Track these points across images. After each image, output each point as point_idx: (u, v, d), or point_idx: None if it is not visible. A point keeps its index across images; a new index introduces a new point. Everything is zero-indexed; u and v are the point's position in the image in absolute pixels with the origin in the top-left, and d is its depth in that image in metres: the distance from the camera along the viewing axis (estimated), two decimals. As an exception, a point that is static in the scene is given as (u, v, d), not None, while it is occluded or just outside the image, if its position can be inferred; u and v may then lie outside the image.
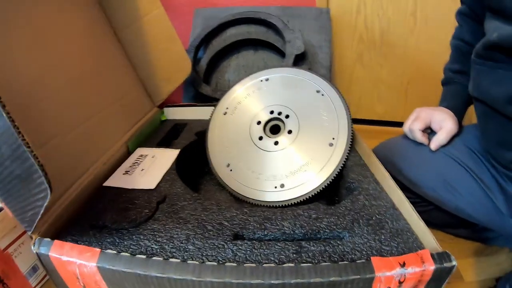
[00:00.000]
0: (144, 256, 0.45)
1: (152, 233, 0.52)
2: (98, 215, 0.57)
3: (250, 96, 0.78)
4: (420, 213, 0.51)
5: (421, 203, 0.84)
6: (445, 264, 0.42)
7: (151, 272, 0.43)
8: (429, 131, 0.82)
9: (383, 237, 0.50)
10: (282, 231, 0.52)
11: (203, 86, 1.16)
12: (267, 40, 1.21)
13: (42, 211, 0.44)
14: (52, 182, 0.42)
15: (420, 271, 0.42)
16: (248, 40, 1.24)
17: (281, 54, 1.20)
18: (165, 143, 0.86)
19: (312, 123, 0.70)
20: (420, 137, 0.79)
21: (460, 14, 0.83)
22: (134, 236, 0.51)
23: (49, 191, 0.42)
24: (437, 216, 0.84)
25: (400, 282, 0.42)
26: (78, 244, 0.48)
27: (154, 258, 0.45)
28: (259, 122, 0.74)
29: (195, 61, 1.24)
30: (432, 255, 0.43)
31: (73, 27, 0.74)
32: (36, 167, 0.41)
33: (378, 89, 1.55)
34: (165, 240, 0.50)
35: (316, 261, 0.45)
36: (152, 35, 0.90)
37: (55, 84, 0.65)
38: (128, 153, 0.79)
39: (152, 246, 0.49)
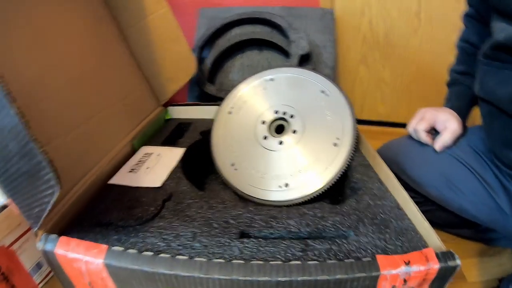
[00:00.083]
0: (151, 253, 0.46)
1: (158, 230, 0.52)
2: (103, 212, 0.57)
3: (255, 95, 0.79)
4: (424, 212, 0.51)
5: (425, 203, 0.84)
6: (449, 263, 0.42)
7: (159, 269, 0.44)
8: (434, 132, 0.82)
9: (387, 236, 0.50)
10: (288, 229, 0.52)
11: (208, 86, 1.16)
12: (272, 40, 1.21)
13: (49, 208, 0.45)
14: (59, 180, 0.42)
15: (425, 269, 0.42)
16: (253, 40, 1.24)
17: (286, 54, 1.20)
18: (170, 142, 0.86)
19: (316, 123, 0.70)
20: (425, 137, 0.79)
21: (466, 16, 0.84)
22: (140, 234, 0.52)
23: (57, 188, 0.42)
24: (441, 216, 0.84)
25: (405, 281, 0.43)
26: (84, 241, 0.49)
27: (161, 255, 0.45)
28: (263, 122, 0.74)
29: (200, 60, 1.24)
30: (436, 254, 0.43)
31: (76, 26, 0.75)
32: (44, 164, 0.41)
33: (381, 90, 1.55)
34: (171, 238, 0.50)
35: (322, 259, 0.46)
36: (157, 34, 0.90)
37: (58, 84, 0.65)
38: (133, 151, 0.80)
39: (158, 243, 0.49)
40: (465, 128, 0.80)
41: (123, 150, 0.76)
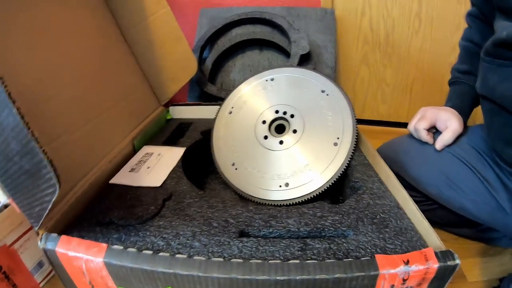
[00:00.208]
0: (150, 252, 0.46)
1: (158, 229, 0.52)
2: (104, 212, 0.57)
3: (255, 95, 0.79)
4: (424, 212, 0.51)
5: (426, 202, 0.84)
6: (449, 263, 0.42)
7: (158, 268, 0.44)
8: (434, 131, 0.82)
9: (387, 235, 0.50)
10: (287, 228, 0.53)
11: (209, 86, 1.16)
12: (272, 40, 1.22)
13: (49, 207, 0.45)
14: (60, 178, 0.43)
15: (424, 269, 0.42)
16: (254, 40, 1.25)
17: (286, 54, 1.21)
18: (171, 141, 0.86)
19: (317, 122, 0.71)
20: (425, 136, 0.79)
21: (469, 16, 0.84)
22: (140, 233, 0.52)
23: (57, 187, 0.43)
24: (441, 215, 0.84)
25: (404, 280, 0.43)
26: (85, 240, 0.49)
27: (160, 254, 0.45)
28: (264, 122, 0.74)
29: (201, 60, 1.24)
30: (436, 253, 0.43)
31: (79, 26, 0.75)
32: (45, 163, 0.41)
33: (382, 90, 1.56)
34: (171, 237, 0.51)
35: (321, 258, 0.46)
36: (158, 34, 0.91)
37: (60, 84, 0.65)
38: (134, 151, 0.80)
39: (158, 242, 0.50)
40: (465, 127, 0.80)
41: (124, 149, 0.76)
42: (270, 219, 0.55)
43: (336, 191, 0.70)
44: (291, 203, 0.63)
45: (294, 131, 0.71)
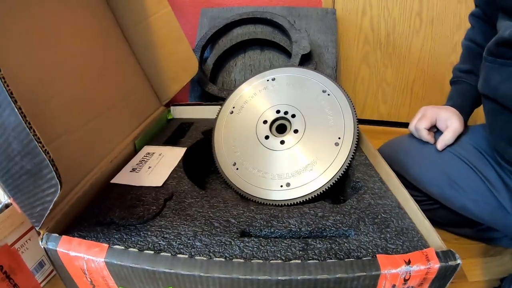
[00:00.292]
0: (152, 252, 0.46)
1: (159, 229, 0.52)
2: (105, 211, 0.57)
3: (256, 95, 0.79)
4: (425, 211, 0.51)
5: (427, 202, 0.84)
6: (450, 263, 0.42)
7: (159, 268, 0.44)
8: (435, 130, 0.82)
9: (388, 235, 0.50)
10: (289, 228, 0.52)
11: (210, 86, 1.16)
12: (274, 40, 1.22)
13: (51, 207, 0.45)
14: (61, 179, 0.43)
15: (425, 269, 0.42)
16: (255, 40, 1.25)
17: (287, 54, 1.21)
18: (172, 141, 0.86)
19: (318, 122, 0.71)
20: (426, 135, 0.79)
21: (472, 16, 0.85)
22: (141, 233, 0.52)
23: (59, 187, 0.43)
24: (442, 214, 0.84)
25: (406, 280, 0.43)
26: (86, 240, 0.49)
27: (162, 254, 0.45)
28: (265, 121, 0.74)
29: (202, 60, 1.24)
30: (437, 253, 0.43)
31: (80, 26, 0.75)
32: (47, 162, 0.41)
33: (382, 90, 1.56)
34: (172, 237, 0.51)
35: (322, 258, 0.46)
36: (159, 34, 0.91)
37: (61, 84, 0.65)
38: (135, 151, 0.80)
39: (159, 242, 0.50)
40: (466, 126, 0.80)
41: (125, 149, 0.76)
42: (271, 219, 0.55)
43: (337, 191, 0.70)
44: (292, 203, 0.63)
45: (295, 131, 0.71)
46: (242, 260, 0.44)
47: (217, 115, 0.80)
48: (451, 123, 0.77)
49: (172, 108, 1.02)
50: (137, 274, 0.46)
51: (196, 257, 0.45)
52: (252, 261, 0.43)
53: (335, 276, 0.41)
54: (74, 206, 0.57)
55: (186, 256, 0.45)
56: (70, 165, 0.61)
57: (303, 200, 0.63)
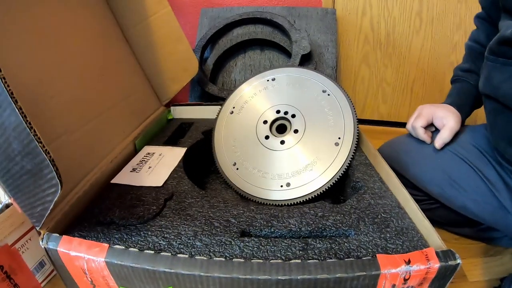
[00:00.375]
0: (152, 252, 0.46)
1: (159, 229, 0.52)
2: (105, 211, 0.57)
3: (256, 95, 0.79)
4: (425, 211, 0.51)
5: (427, 201, 0.84)
6: (450, 262, 0.42)
7: (159, 268, 0.44)
8: (433, 129, 0.82)
9: (388, 235, 0.50)
10: (289, 228, 0.53)
11: (210, 86, 1.16)
12: (274, 40, 1.22)
13: (51, 207, 0.45)
14: (61, 179, 0.43)
15: (425, 268, 0.42)
16: (255, 40, 1.25)
17: (287, 54, 1.21)
18: (172, 141, 0.86)
19: (318, 122, 0.71)
20: (422, 134, 0.79)
21: (477, 18, 0.86)
22: (142, 232, 0.52)
23: (59, 187, 0.43)
24: (442, 214, 0.84)
25: (405, 280, 0.43)
26: (86, 239, 0.49)
27: (162, 253, 0.46)
28: (265, 122, 0.74)
29: (202, 60, 1.24)
30: (437, 253, 0.43)
31: (79, 26, 0.75)
32: (47, 162, 0.41)
33: (382, 90, 1.56)
34: (172, 237, 0.51)
35: (322, 258, 0.46)
36: (159, 34, 0.91)
37: (61, 84, 0.65)
38: (135, 151, 0.80)
39: (159, 242, 0.50)
40: (463, 125, 0.80)
41: (126, 149, 0.76)
42: (271, 219, 0.55)
43: (337, 191, 0.70)
44: (292, 203, 0.63)
45: (295, 131, 0.71)
46: (242, 260, 0.44)
47: (217, 115, 0.80)
48: (447, 121, 0.77)
49: (172, 108, 1.02)
50: (137, 274, 0.46)
51: (196, 257, 0.45)
52: (252, 260, 0.44)
53: (335, 275, 0.41)
54: (74, 206, 0.57)
55: (186, 256, 0.45)
56: (70, 165, 0.61)
57: (303, 200, 0.63)
